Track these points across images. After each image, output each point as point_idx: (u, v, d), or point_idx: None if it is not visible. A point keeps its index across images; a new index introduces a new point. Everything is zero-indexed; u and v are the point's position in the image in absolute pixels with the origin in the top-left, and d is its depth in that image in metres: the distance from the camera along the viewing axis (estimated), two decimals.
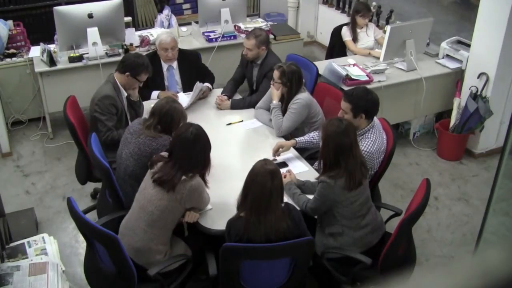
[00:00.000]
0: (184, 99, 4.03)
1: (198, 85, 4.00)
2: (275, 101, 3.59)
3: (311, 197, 2.85)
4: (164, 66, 4.15)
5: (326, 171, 2.72)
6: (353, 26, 5.00)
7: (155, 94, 4.06)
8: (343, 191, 2.67)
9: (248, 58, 4.11)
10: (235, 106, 4.01)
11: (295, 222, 2.51)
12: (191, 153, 2.64)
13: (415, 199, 2.81)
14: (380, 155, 3.14)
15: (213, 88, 4.24)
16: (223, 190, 2.98)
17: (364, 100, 3.06)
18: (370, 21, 5.22)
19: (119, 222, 2.81)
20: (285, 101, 3.58)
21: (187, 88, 4.17)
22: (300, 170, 3.24)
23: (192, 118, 3.77)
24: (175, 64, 4.19)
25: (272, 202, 2.44)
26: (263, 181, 2.41)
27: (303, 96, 3.49)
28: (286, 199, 2.76)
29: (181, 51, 4.19)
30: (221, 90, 4.21)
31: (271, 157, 3.26)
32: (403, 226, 2.59)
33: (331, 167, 2.70)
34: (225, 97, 4.06)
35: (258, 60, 4.12)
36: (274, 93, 3.59)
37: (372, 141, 3.07)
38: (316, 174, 3.12)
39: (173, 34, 4.31)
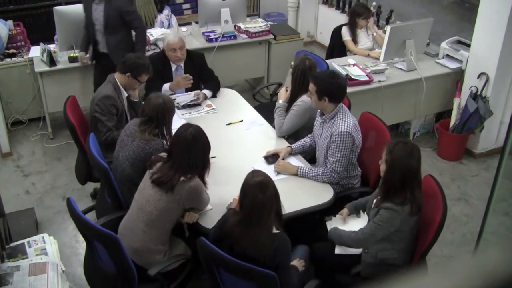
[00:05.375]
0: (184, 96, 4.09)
1: (196, 92, 4.02)
2: (281, 101, 3.59)
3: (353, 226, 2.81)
4: (173, 66, 4.11)
5: (389, 198, 2.59)
6: (352, 27, 4.98)
7: (166, 86, 4.01)
8: (407, 218, 2.58)
9: None
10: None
11: (275, 254, 2.37)
12: (190, 154, 2.64)
13: (434, 197, 2.77)
14: (358, 134, 3.12)
15: (216, 96, 4.17)
16: (223, 191, 2.98)
17: (328, 84, 3.06)
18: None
19: (118, 222, 2.81)
20: (289, 98, 3.59)
21: (190, 89, 4.15)
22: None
23: (192, 118, 3.80)
24: (182, 65, 4.14)
25: (264, 214, 2.36)
26: (253, 195, 2.35)
27: (306, 100, 3.44)
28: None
29: (187, 52, 4.15)
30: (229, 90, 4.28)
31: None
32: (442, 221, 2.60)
33: (396, 193, 2.57)
34: None
35: None
36: (282, 93, 3.62)
37: (345, 121, 3.06)
38: None
39: (180, 33, 4.26)
